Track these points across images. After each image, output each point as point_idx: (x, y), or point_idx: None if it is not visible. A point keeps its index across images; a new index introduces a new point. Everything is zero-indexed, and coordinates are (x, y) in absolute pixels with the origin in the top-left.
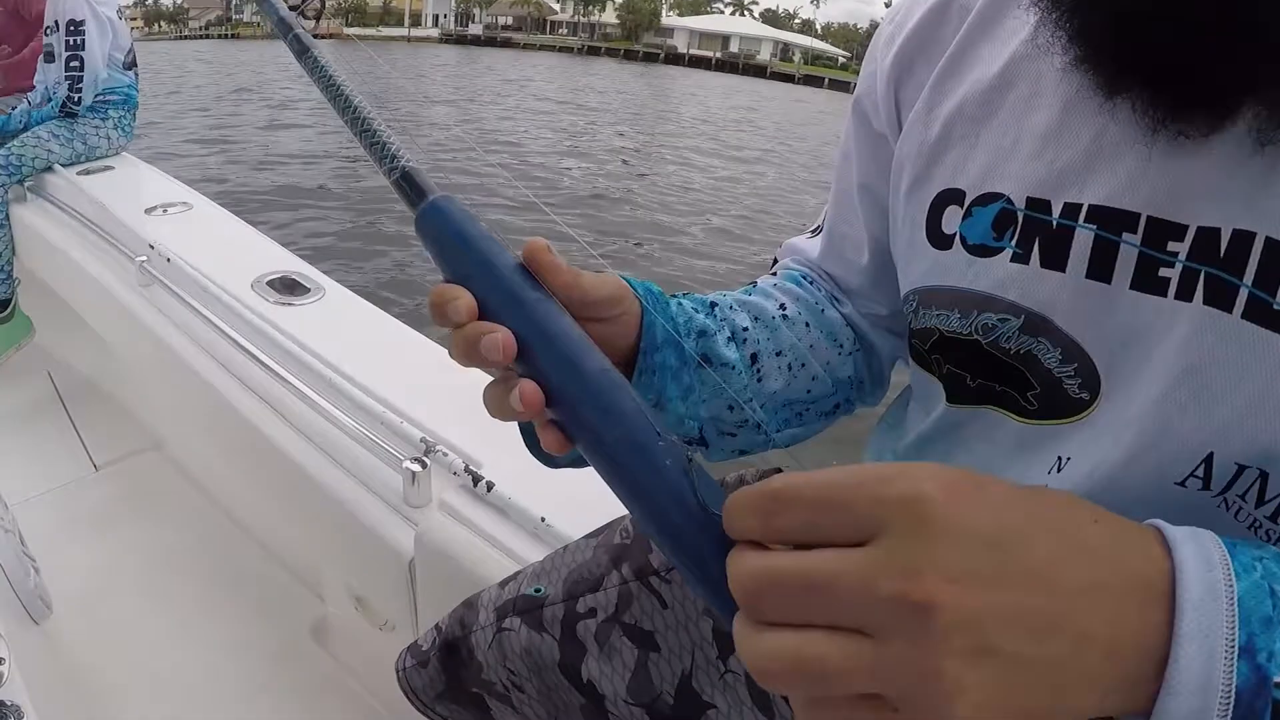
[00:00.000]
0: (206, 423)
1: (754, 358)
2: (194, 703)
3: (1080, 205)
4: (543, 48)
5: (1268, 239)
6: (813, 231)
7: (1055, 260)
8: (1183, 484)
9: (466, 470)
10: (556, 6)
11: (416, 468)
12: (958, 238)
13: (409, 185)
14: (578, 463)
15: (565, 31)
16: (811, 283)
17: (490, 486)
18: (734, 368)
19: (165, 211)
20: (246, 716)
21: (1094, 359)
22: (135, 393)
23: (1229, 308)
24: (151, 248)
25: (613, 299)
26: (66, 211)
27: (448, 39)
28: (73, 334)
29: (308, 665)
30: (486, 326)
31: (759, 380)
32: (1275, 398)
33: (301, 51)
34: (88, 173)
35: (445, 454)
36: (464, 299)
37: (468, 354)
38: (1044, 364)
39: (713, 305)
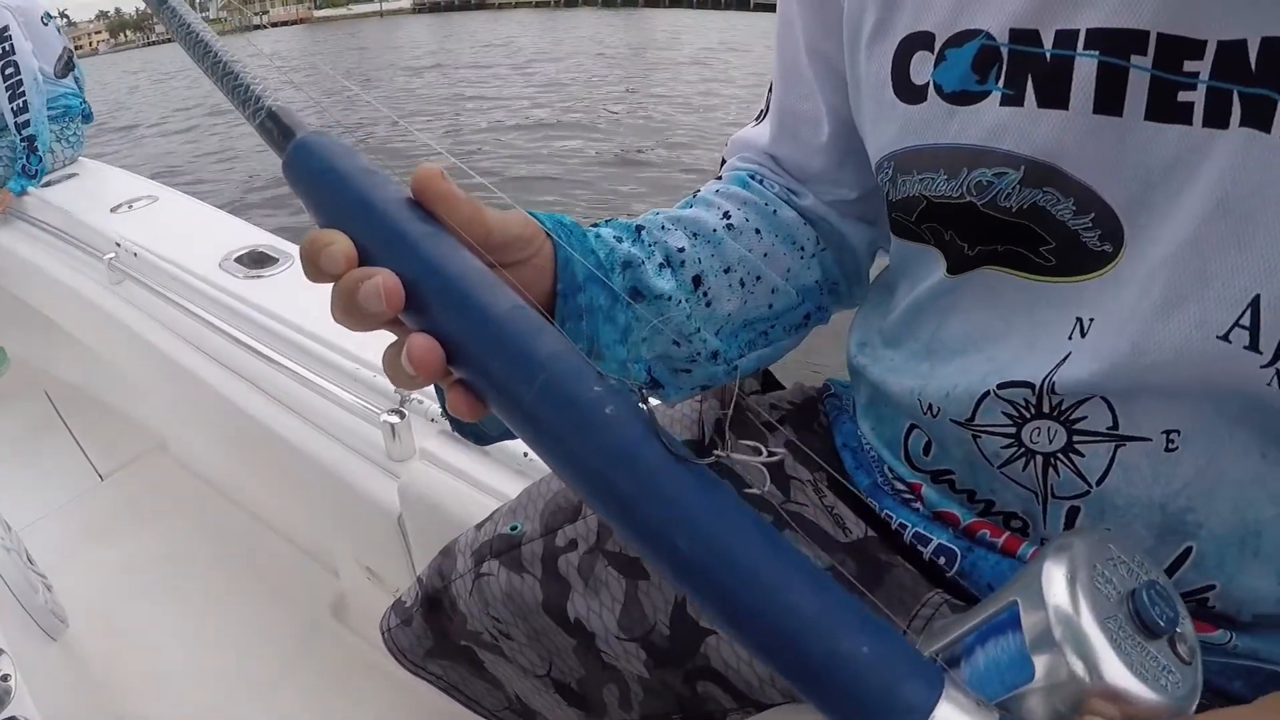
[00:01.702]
0: (199, 413)
1: (697, 280)
2: (219, 698)
3: (1076, 31)
4: (519, 5)
5: None
6: (758, 118)
7: (1055, 97)
8: (1226, 338)
9: (444, 414)
10: None
11: (395, 419)
12: (931, 87)
13: (276, 126)
14: (509, 434)
15: None
16: (760, 181)
17: None
18: (670, 298)
19: (130, 207)
20: (275, 704)
21: (1113, 205)
22: (129, 395)
23: (1267, 126)
24: (118, 245)
25: (523, 238)
26: (34, 225)
27: (421, 8)
28: (60, 347)
29: (332, 644)
30: (365, 272)
31: (708, 305)
32: None
33: (160, 3)
34: (49, 184)
35: (421, 401)
36: (339, 244)
37: (348, 310)
38: (1056, 217)
39: (639, 230)
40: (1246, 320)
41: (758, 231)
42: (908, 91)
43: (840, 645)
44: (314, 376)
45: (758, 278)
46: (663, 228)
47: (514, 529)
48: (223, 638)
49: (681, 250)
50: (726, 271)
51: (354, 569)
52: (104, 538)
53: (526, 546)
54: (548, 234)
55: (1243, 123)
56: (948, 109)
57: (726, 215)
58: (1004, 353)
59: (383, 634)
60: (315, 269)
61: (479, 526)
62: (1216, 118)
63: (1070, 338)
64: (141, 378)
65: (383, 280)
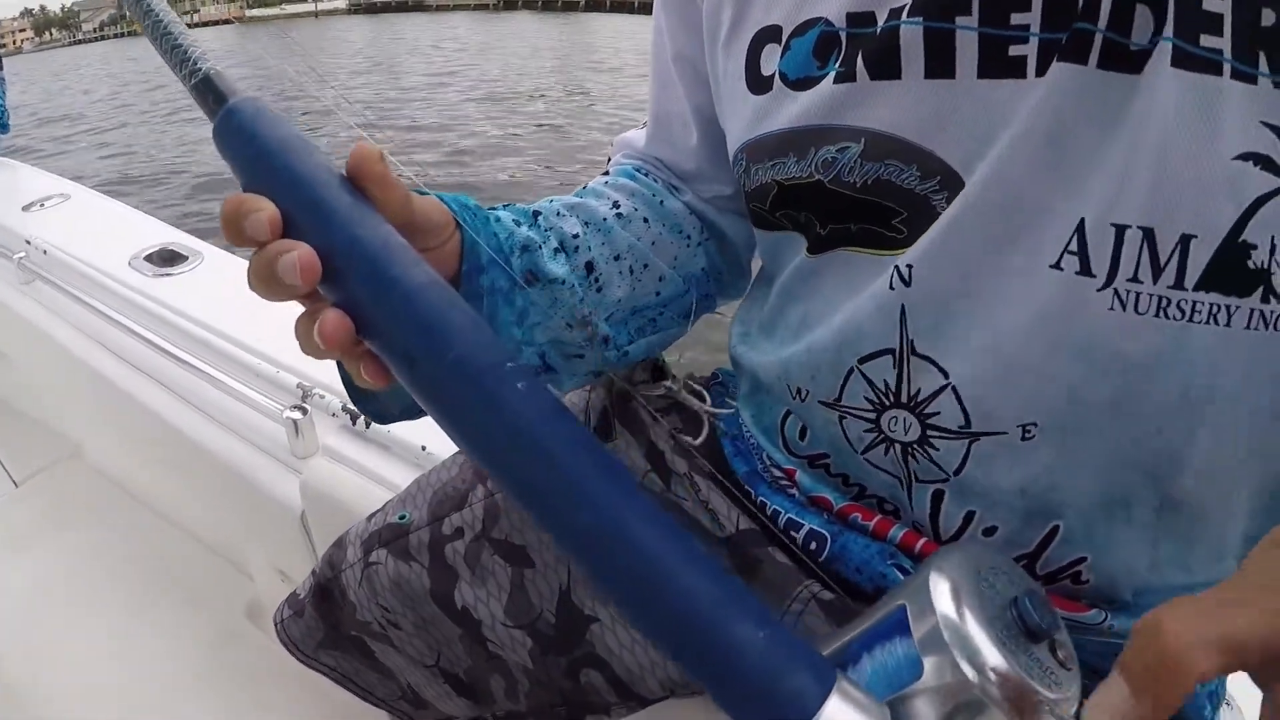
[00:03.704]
0: (112, 416)
1: (589, 266)
2: (135, 709)
3: (902, 6)
4: (457, 7)
5: None
6: (644, 123)
7: (886, 68)
8: (1058, 265)
9: (344, 409)
10: None
11: (297, 415)
12: (777, 77)
13: (210, 90)
14: (412, 411)
15: None
16: (646, 174)
17: (369, 423)
18: (564, 282)
19: (43, 206)
20: (190, 711)
21: (954, 165)
22: (43, 400)
23: (1084, 59)
24: (28, 243)
25: (441, 225)
26: None
27: (356, 8)
28: None
29: (247, 648)
30: (285, 245)
31: (598, 290)
32: (1139, 142)
33: None
34: None
35: (323, 396)
36: (265, 211)
37: (266, 280)
38: (902, 186)
39: (536, 215)
40: (1074, 245)
41: (645, 220)
42: (758, 83)
43: (736, 632)
44: (220, 374)
45: (645, 265)
46: (558, 214)
47: (402, 518)
48: (139, 648)
49: (576, 236)
50: (616, 259)
51: (267, 571)
52: (18, 547)
53: (414, 535)
54: (459, 223)
55: (1062, 57)
56: (791, 95)
57: (616, 205)
58: (864, 327)
59: (276, 625)
60: (237, 232)
61: (370, 517)
62: (1044, 67)
63: (891, 288)
64: (53, 380)
65: (299, 255)
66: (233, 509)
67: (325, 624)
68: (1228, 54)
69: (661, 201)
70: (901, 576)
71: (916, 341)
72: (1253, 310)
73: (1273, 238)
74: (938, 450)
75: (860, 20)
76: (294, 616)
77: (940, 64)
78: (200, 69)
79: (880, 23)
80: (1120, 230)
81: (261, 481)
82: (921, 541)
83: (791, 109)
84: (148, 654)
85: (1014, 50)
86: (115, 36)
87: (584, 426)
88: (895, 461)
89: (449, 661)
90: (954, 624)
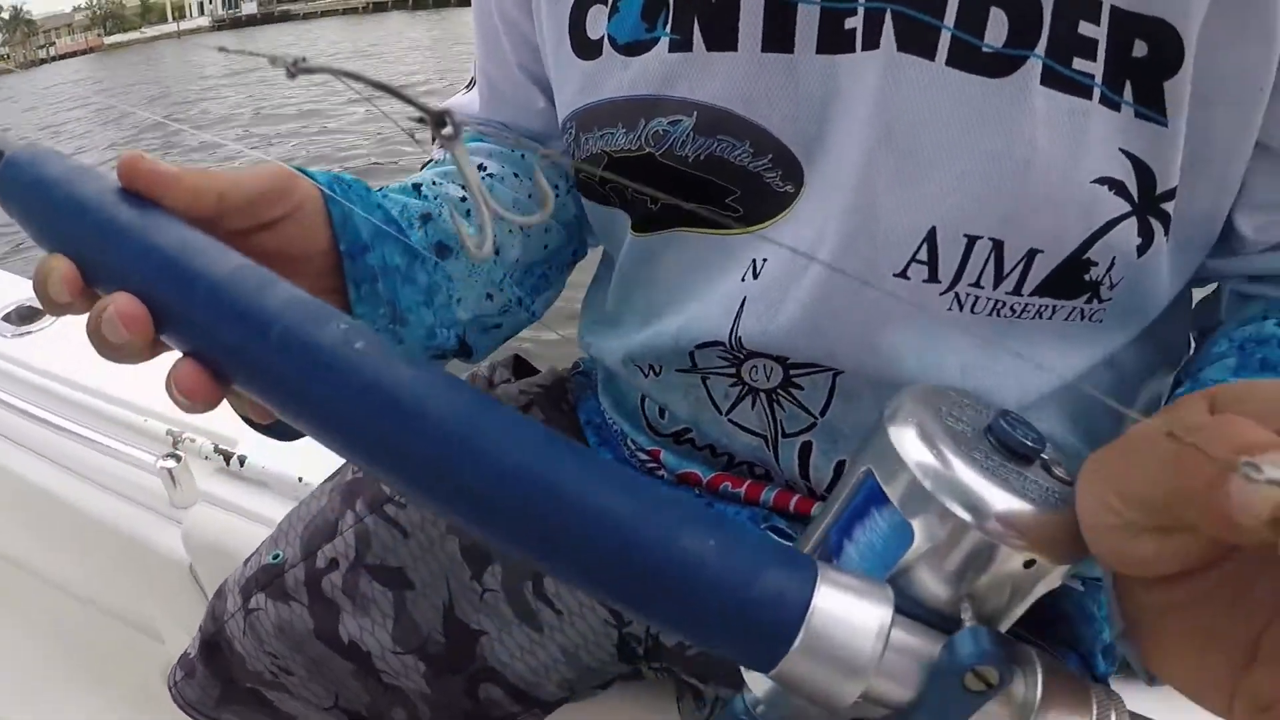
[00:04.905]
0: None
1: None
2: None
3: None
4: (325, 13)
5: None
6: (467, 86)
7: (723, 39)
8: (904, 274)
9: (216, 450)
10: None
11: (171, 464)
12: (605, 40)
13: None
14: (281, 431)
15: None
16: (492, 139)
17: (243, 461)
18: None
19: None
20: None
21: (789, 145)
22: None
23: (930, 54)
24: None
25: (273, 192)
26: None
27: (221, 25)
28: None
29: (168, 713)
30: (100, 305)
31: (497, 253)
32: (1000, 154)
33: None
34: None
35: (194, 440)
36: (60, 268)
37: (105, 347)
38: (735, 163)
39: (417, 186)
40: (924, 255)
41: (515, 175)
42: (584, 47)
43: (678, 542)
44: (88, 432)
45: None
46: (435, 182)
47: (276, 557)
48: None
49: (464, 200)
50: (500, 220)
51: (174, 630)
52: None
53: (289, 573)
54: (318, 186)
55: (901, 47)
56: (622, 60)
57: (483, 168)
58: (700, 310)
59: (170, 690)
60: (48, 300)
61: (246, 561)
62: (871, 39)
63: (744, 280)
64: None
65: (115, 307)
66: (124, 570)
67: (219, 680)
68: (1099, 79)
69: (522, 155)
70: (776, 538)
71: (745, 339)
72: (1074, 308)
73: (1112, 259)
74: (802, 390)
75: None
76: (187, 678)
77: (779, 37)
78: None
79: None
80: (972, 241)
81: (148, 538)
82: (795, 499)
83: (622, 76)
84: None
85: (848, 23)
86: None
87: (436, 368)
88: (762, 414)
89: (348, 700)
90: (933, 469)
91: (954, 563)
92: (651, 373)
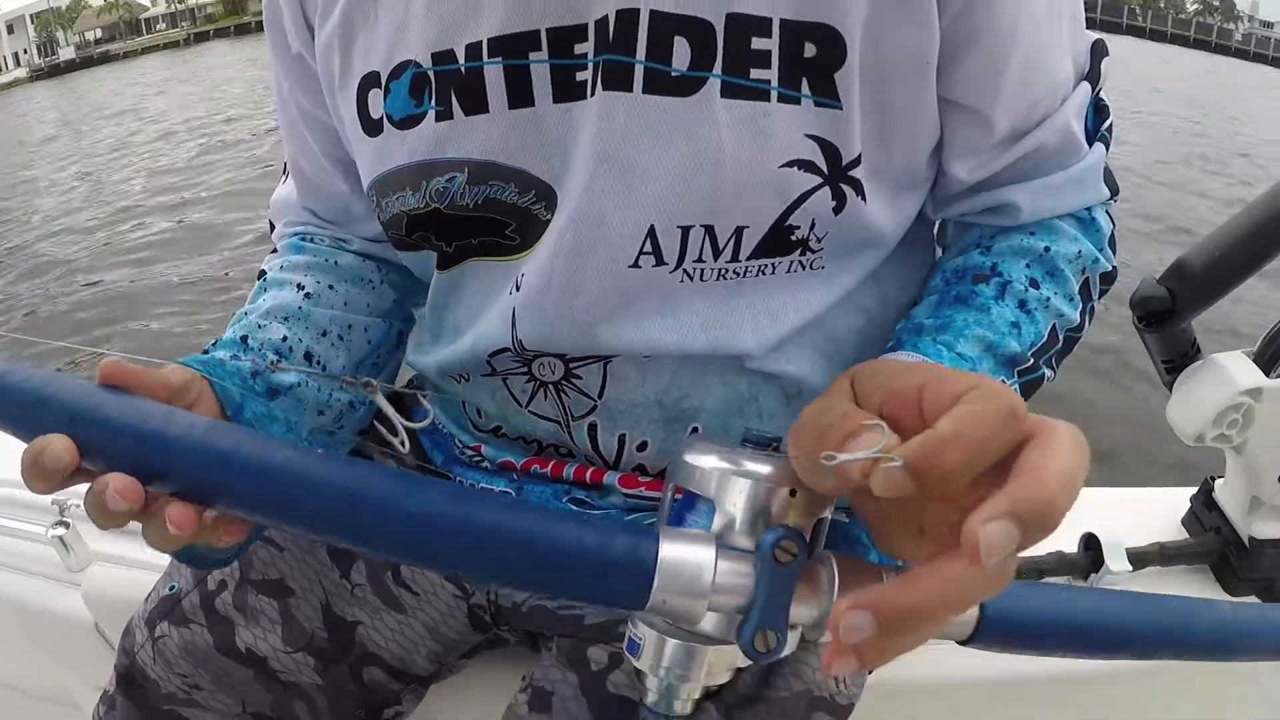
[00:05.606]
0: None
1: (308, 356)
2: None
3: (480, 43)
4: (146, 51)
5: (652, 11)
6: (284, 176)
7: (477, 104)
8: (636, 264)
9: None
10: (147, 2)
11: (61, 530)
12: (385, 119)
13: None
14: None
15: (165, 26)
16: (312, 240)
17: None
18: (300, 384)
19: None
20: None
21: (545, 179)
22: None
23: (629, 87)
24: None
25: (187, 384)
26: None
27: (39, 74)
28: None
29: None
30: (100, 483)
31: (324, 369)
32: (696, 158)
33: None
34: None
35: (78, 505)
36: (55, 442)
37: (107, 518)
38: (506, 201)
39: (244, 339)
40: (649, 248)
41: (331, 287)
42: (370, 126)
43: (559, 533)
44: None
45: (349, 326)
46: (259, 327)
47: (172, 589)
48: None
49: (285, 339)
50: (324, 335)
51: (89, 694)
52: None
53: (185, 600)
54: (204, 377)
55: (606, 87)
56: (400, 135)
57: (300, 287)
58: (486, 325)
59: None
60: (41, 473)
61: (147, 598)
62: (594, 86)
63: (510, 293)
64: None
65: (113, 485)
66: (30, 645)
67: (138, 708)
68: (774, 83)
69: (335, 262)
70: (575, 508)
71: (525, 341)
72: (792, 262)
73: (813, 220)
74: (581, 379)
75: (443, 58)
76: (109, 712)
77: (521, 96)
78: None
79: (461, 60)
80: (685, 230)
81: (49, 608)
82: (590, 471)
83: (402, 148)
84: None
85: (580, 75)
86: None
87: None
88: (554, 404)
89: (255, 704)
90: (717, 465)
91: (750, 512)
92: (462, 379)
